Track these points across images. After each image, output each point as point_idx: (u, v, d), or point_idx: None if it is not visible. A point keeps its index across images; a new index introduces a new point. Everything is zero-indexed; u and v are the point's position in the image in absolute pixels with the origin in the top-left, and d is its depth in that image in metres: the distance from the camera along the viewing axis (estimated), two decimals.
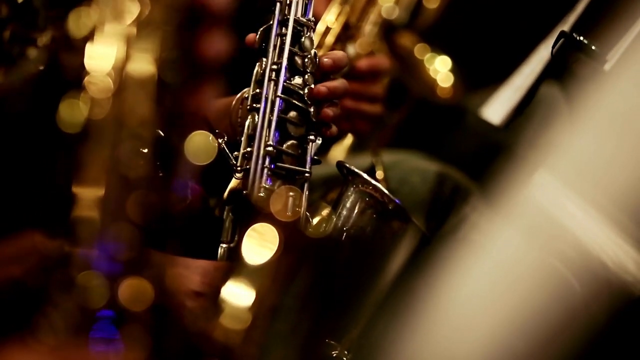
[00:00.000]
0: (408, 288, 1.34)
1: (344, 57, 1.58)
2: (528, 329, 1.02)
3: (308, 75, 1.55)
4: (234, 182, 1.52)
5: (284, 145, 1.53)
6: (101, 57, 1.01)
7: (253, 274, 1.09)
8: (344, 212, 1.57)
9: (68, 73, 1.09)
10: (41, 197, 1.20)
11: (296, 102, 1.53)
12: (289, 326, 1.19)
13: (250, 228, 1.09)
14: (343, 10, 2.32)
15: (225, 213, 1.51)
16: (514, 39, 2.25)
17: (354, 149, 2.51)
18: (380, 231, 1.57)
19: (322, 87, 1.54)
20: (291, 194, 1.50)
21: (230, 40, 1.06)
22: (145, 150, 1.00)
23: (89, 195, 1.00)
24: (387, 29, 2.53)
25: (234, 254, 1.45)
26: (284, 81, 1.53)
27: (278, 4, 1.55)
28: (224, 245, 1.50)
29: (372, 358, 1.56)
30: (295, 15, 1.55)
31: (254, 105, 1.53)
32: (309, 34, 1.56)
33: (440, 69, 2.72)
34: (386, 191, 1.56)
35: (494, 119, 2.02)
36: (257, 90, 1.54)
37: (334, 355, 1.52)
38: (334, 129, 1.58)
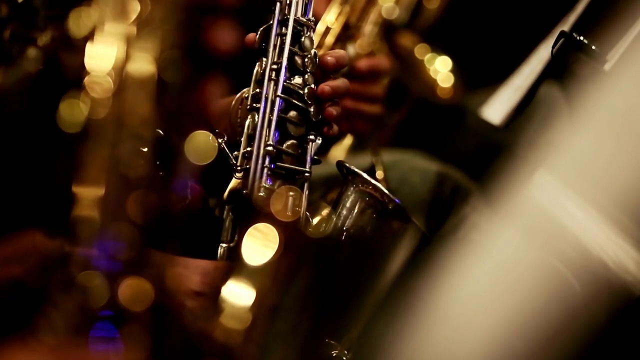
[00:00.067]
0: (408, 288, 1.34)
1: (345, 55, 1.58)
2: (528, 329, 1.02)
3: (308, 75, 1.55)
4: (234, 182, 1.52)
5: (284, 145, 1.53)
6: (101, 57, 1.01)
7: (253, 274, 1.09)
8: (344, 212, 1.57)
9: (68, 73, 1.09)
10: (41, 197, 1.20)
11: (296, 102, 1.53)
12: (289, 326, 1.18)
13: (250, 228, 1.09)
14: (343, 10, 2.32)
15: (225, 213, 1.51)
16: (514, 39, 2.25)
17: (354, 149, 2.51)
18: (380, 231, 1.57)
19: (326, 86, 1.54)
20: (291, 193, 1.50)
21: (239, 33, 1.07)
22: (145, 150, 1.00)
23: (89, 195, 1.00)
24: (388, 29, 2.54)
25: (234, 253, 1.45)
26: (284, 81, 1.53)
27: (278, 4, 1.55)
28: (224, 245, 1.50)
29: (372, 358, 1.56)
30: (295, 15, 1.55)
31: (254, 105, 1.53)
32: (309, 33, 1.56)
33: (441, 69, 2.72)
34: (386, 191, 1.56)
35: (494, 119, 2.02)
36: (257, 90, 1.54)
37: (334, 355, 1.52)
38: (335, 128, 1.58)
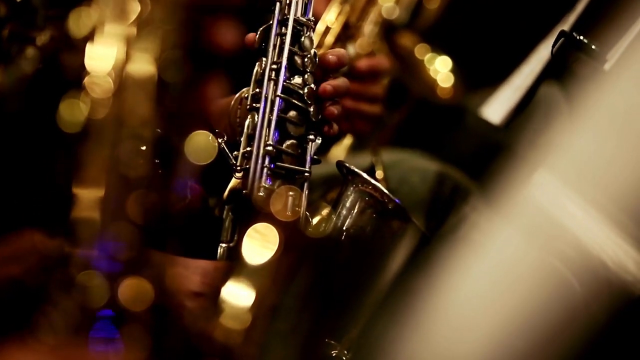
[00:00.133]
0: (408, 288, 1.34)
1: (345, 54, 1.58)
2: (528, 329, 1.02)
3: (308, 75, 1.55)
4: (233, 182, 1.52)
5: (284, 145, 1.53)
6: (101, 57, 1.01)
7: (253, 274, 1.09)
8: (344, 212, 1.57)
9: (68, 73, 1.09)
10: (40, 197, 1.20)
11: (296, 102, 1.53)
12: (289, 326, 1.19)
13: (250, 228, 1.09)
14: (343, 9, 2.32)
15: (225, 213, 1.51)
16: (514, 39, 2.25)
17: (354, 149, 2.51)
18: (380, 231, 1.57)
19: (328, 85, 1.54)
20: (291, 193, 1.50)
21: (240, 31, 1.07)
22: (145, 149, 1.00)
23: (89, 195, 1.00)
24: (388, 29, 2.54)
25: (234, 253, 1.45)
26: (284, 81, 1.53)
27: (278, 4, 1.55)
28: (224, 245, 1.50)
29: (372, 358, 1.56)
30: (295, 15, 1.55)
31: (254, 104, 1.53)
32: (308, 33, 1.56)
33: (441, 70, 2.72)
34: (386, 191, 1.56)
35: (493, 118, 2.02)
36: (257, 90, 1.54)
37: (334, 354, 1.52)
38: (336, 127, 1.58)
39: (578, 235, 1.03)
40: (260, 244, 1.09)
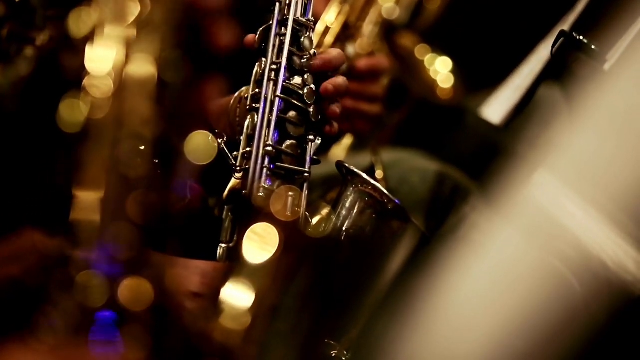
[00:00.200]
0: (407, 288, 1.34)
1: (338, 55, 1.58)
2: (528, 329, 1.01)
3: (307, 75, 1.55)
4: (233, 182, 1.52)
5: (284, 145, 1.53)
6: (101, 58, 1.01)
7: (253, 274, 1.09)
8: (344, 212, 1.57)
9: (67, 73, 1.09)
10: (40, 197, 1.20)
11: (295, 102, 1.53)
12: (289, 326, 1.18)
13: (249, 228, 1.09)
14: (342, 9, 2.32)
15: (224, 213, 1.51)
16: (513, 39, 2.25)
17: (354, 149, 2.51)
18: (380, 231, 1.57)
19: (329, 85, 1.54)
20: (291, 193, 1.50)
21: (234, 30, 1.07)
22: (145, 149, 1.00)
23: (88, 195, 1.00)
24: (388, 30, 2.53)
25: (234, 253, 1.45)
26: (284, 81, 1.53)
27: (277, 4, 1.55)
28: (223, 245, 1.50)
29: (372, 358, 1.56)
30: (295, 15, 1.55)
31: (254, 105, 1.53)
32: (308, 34, 1.56)
33: (441, 70, 2.72)
34: (385, 191, 1.56)
35: (493, 118, 2.02)
36: (257, 90, 1.54)
37: (333, 355, 1.52)
38: (336, 126, 1.58)
39: (578, 235, 1.03)
40: (260, 244, 1.09)
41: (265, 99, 1.52)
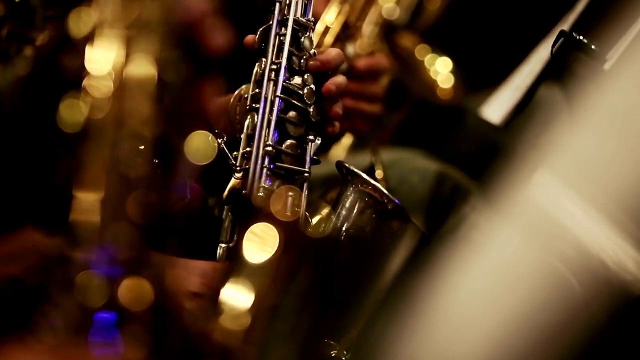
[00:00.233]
0: (407, 288, 1.34)
1: (337, 55, 1.58)
2: (528, 329, 1.01)
3: (307, 75, 1.55)
4: (233, 182, 1.52)
5: (283, 145, 1.53)
6: (101, 58, 1.01)
7: (253, 274, 1.09)
8: (344, 212, 1.57)
9: (67, 73, 1.09)
10: (40, 196, 1.20)
11: (295, 102, 1.53)
12: (289, 326, 1.18)
13: (249, 228, 1.09)
14: (342, 9, 2.32)
15: (224, 213, 1.51)
16: (514, 39, 2.25)
17: (354, 148, 2.51)
18: (380, 231, 1.57)
19: (332, 85, 1.54)
20: (290, 193, 1.50)
21: (228, 32, 1.07)
22: (145, 149, 1.00)
23: (88, 196, 1.00)
24: (388, 30, 2.54)
25: (233, 253, 1.45)
26: (283, 81, 1.53)
27: (277, 4, 1.55)
28: (223, 245, 1.50)
29: (371, 358, 1.56)
30: (295, 15, 1.55)
31: (254, 105, 1.53)
32: (308, 33, 1.56)
33: (441, 70, 2.72)
34: (385, 191, 1.56)
35: (493, 118, 2.02)
36: (257, 90, 1.54)
37: (333, 355, 1.52)
38: (338, 125, 1.58)
39: (578, 235, 1.03)
40: (259, 245, 1.09)
41: (265, 99, 1.52)
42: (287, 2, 1.55)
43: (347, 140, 2.52)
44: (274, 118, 1.51)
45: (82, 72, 1.01)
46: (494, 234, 1.07)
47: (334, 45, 2.28)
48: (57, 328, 0.97)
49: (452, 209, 2.03)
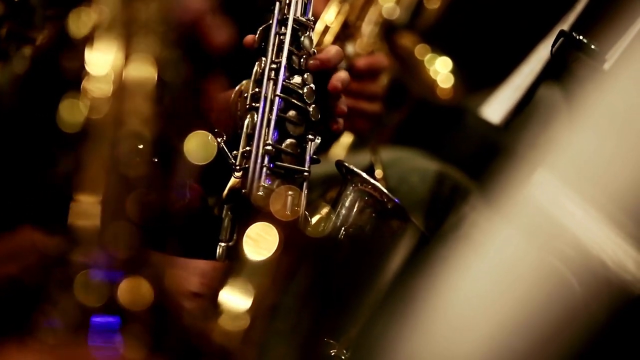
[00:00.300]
0: (407, 287, 1.34)
1: (337, 53, 1.58)
2: (527, 328, 1.01)
3: (307, 75, 1.55)
4: (233, 181, 1.51)
5: (283, 145, 1.53)
6: (100, 58, 1.01)
7: (252, 273, 1.09)
8: (343, 211, 1.57)
9: (67, 73, 1.09)
10: (39, 196, 1.20)
11: (295, 102, 1.53)
12: (288, 325, 1.18)
13: (249, 227, 1.09)
14: (342, 9, 2.32)
15: (224, 212, 1.51)
16: (513, 39, 2.25)
17: (354, 148, 2.51)
18: (380, 230, 1.57)
19: (337, 82, 1.54)
20: (290, 193, 1.50)
21: (228, 29, 1.07)
22: (144, 148, 1.00)
23: (88, 195, 1.00)
24: (388, 29, 2.54)
25: (233, 253, 1.45)
26: (283, 80, 1.53)
27: (277, 3, 1.55)
28: (223, 244, 1.50)
29: (371, 357, 1.56)
30: (295, 15, 1.55)
31: (253, 104, 1.53)
32: (308, 33, 1.56)
33: (441, 70, 2.72)
34: (385, 190, 1.56)
35: (493, 118, 2.02)
36: (256, 90, 1.54)
37: (333, 354, 1.52)
38: (342, 122, 1.58)
39: (578, 235, 1.03)
40: (259, 244, 1.09)
41: (265, 98, 1.52)
42: (287, 1, 1.56)
43: (346, 139, 2.52)
44: (273, 117, 1.51)
45: (81, 72, 1.01)
46: (494, 234, 1.07)
47: (333, 44, 2.28)
48: (57, 328, 0.97)
49: (452, 209, 2.03)
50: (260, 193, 1.49)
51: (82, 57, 1.02)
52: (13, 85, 1.23)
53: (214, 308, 1.08)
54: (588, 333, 1.01)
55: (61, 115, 1.01)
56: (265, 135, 1.51)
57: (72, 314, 0.97)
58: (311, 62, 1.55)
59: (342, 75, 1.56)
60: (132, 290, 0.99)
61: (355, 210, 1.56)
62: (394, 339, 1.08)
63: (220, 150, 1.51)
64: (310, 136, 1.55)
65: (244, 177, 1.50)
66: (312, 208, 1.54)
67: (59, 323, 0.97)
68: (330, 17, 2.30)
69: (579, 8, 1.69)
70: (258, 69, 1.55)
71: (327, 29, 2.29)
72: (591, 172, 1.05)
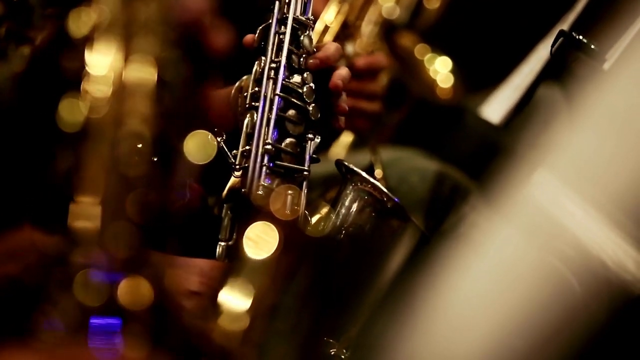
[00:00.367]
0: (407, 287, 1.34)
1: (336, 50, 1.58)
2: (527, 328, 1.01)
3: (307, 74, 1.55)
4: (232, 181, 1.51)
5: (283, 144, 1.53)
6: (100, 58, 1.01)
7: (252, 273, 1.09)
8: (343, 211, 1.57)
9: (67, 72, 1.09)
10: (39, 195, 1.20)
11: (295, 101, 1.53)
12: (288, 325, 1.18)
13: (249, 227, 1.09)
14: (342, 8, 2.32)
15: (223, 211, 1.51)
16: (513, 39, 2.25)
17: (354, 147, 2.51)
18: (379, 230, 1.57)
19: (338, 81, 1.54)
20: (290, 192, 1.50)
21: (229, 33, 1.07)
22: (144, 148, 1.00)
23: (87, 195, 1.00)
24: (388, 29, 2.54)
25: (233, 252, 1.45)
26: (283, 79, 1.53)
27: (277, 3, 1.55)
28: (223, 244, 1.50)
29: (370, 357, 1.56)
30: (294, 14, 1.55)
31: (253, 103, 1.53)
32: (307, 32, 1.56)
33: (441, 70, 2.72)
34: (385, 190, 1.56)
35: (493, 118, 2.02)
36: (256, 89, 1.53)
37: (332, 353, 1.52)
38: (343, 120, 1.58)
39: (577, 235, 1.03)
40: (259, 243, 1.09)
41: (265, 97, 1.52)
42: (287, 0, 1.55)
43: (346, 138, 2.52)
44: (273, 116, 1.51)
45: (81, 72, 1.01)
46: (494, 234, 1.07)
47: None
48: (57, 327, 0.97)
49: (452, 209, 2.03)
50: (260, 192, 1.49)
51: (82, 57, 1.02)
52: (12, 85, 1.23)
53: (214, 308, 1.08)
54: (588, 333, 1.01)
55: (61, 115, 1.01)
56: (264, 134, 1.51)
57: (72, 314, 0.97)
58: (311, 61, 1.55)
59: (342, 72, 1.56)
60: (132, 290, 0.99)
61: (355, 209, 1.56)
62: (394, 338, 1.08)
63: (220, 149, 1.51)
64: (310, 135, 1.55)
65: (243, 177, 1.50)
66: (312, 207, 1.54)
67: (59, 323, 0.97)
68: (330, 17, 2.30)
69: (578, 8, 1.69)
70: (258, 68, 1.54)
71: (326, 28, 2.29)
72: (591, 172, 1.05)
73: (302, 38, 1.56)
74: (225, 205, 1.51)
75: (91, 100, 1.00)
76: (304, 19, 1.56)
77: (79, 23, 1.04)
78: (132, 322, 0.98)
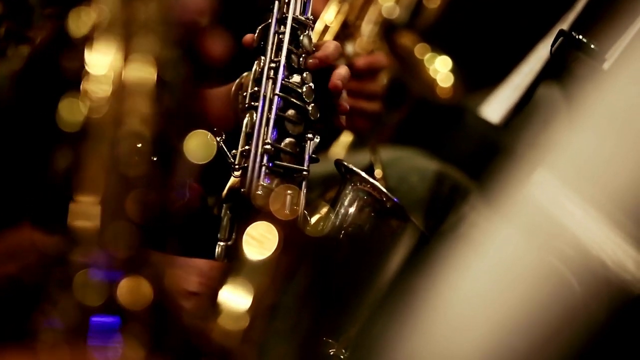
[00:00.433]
0: (406, 287, 1.34)
1: (335, 49, 1.57)
2: (527, 328, 1.01)
3: (306, 74, 1.55)
4: (232, 181, 1.51)
5: (282, 144, 1.52)
6: (100, 57, 1.01)
7: (252, 273, 1.09)
8: (342, 211, 1.57)
9: (67, 72, 1.09)
10: (38, 195, 1.20)
11: (294, 101, 1.53)
12: (288, 325, 1.18)
13: (248, 226, 1.09)
14: (342, 8, 2.32)
15: (223, 211, 1.51)
16: (513, 39, 2.25)
17: (353, 147, 2.51)
18: (379, 230, 1.57)
19: (338, 81, 1.54)
20: (289, 192, 1.50)
21: (226, 40, 1.07)
22: (144, 148, 1.00)
23: (87, 195, 1.00)
24: (388, 29, 2.54)
25: (232, 252, 1.45)
26: (282, 79, 1.53)
27: (277, 2, 1.55)
28: (222, 244, 1.50)
29: (370, 357, 1.56)
30: (294, 14, 1.55)
31: (252, 103, 1.53)
32: (307, 32, 1.56)
33: (441, 69, 2.72)
34: (384, 190, 1.56)
35: (493, 117, 2.02)
36: (256, 89, 1.53)
37: (332, 353, 1.52)
38: (344, 119, 1.58)
39: (577, 235, 1.03)
40: (258, 243, 1.09)
41: (264, 97, 1.52)
42: (286, 0, 1.55)
43: (346, 138, 2.52)
44: (272, 116, 1.51)
45: (81, 71, 1.01)
46: (494, 233, 1.07)
47: None
48: (57, 328, 0.97)
49: (452, 208, 2.03)
50: (259, 192, 1.49)
51: (82, 57, 1.02)
52: (12, 85, 1.23)
53: (214, 308, 1.08)
54: (588, 333, 1.01)
55: (61, 114, 1.01)
56: (264, 134, 1.51)
57: (71, 314, 0.97)
58: (310, 61, 1.55)
59: (342, 72, 1.56)
60: (132, 290, 0.99)
61: (354, 209, 1.56)
62: (394, 338, 1.08)
63: (219, 149, 1.51)
64: (309, 135, 1.55)
65: (243, 177, 1.50)
66: (311, 207, 1.54)
67: (58, 323, 0.97)
68: (330, 17, 2.30)
69: (578, 7, 1.69)
70: (257, 68, 1.54)
71: (326, 28, 2.29)
72: (591, 172, 1.05)
73: (301, 38, 1.56)
74: (224, 205, 1.51)
75: (91, 100, 1.00)
76: (303, 18, 1.56)
77: (79, 23, 1.03)
78: (131, 321, 0.98)
